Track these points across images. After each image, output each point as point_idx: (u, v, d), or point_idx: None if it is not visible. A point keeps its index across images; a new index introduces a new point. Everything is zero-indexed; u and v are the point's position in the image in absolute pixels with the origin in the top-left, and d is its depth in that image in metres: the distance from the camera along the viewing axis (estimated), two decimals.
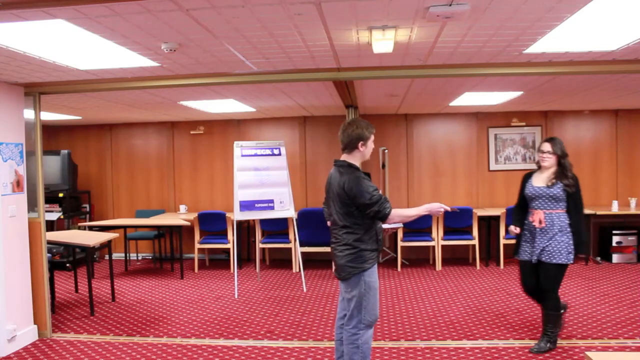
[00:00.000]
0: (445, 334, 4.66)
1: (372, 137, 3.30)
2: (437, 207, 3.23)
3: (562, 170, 4.01)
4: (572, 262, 3.96)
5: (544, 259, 3.98)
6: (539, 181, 4.11)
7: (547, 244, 3.96)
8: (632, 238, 7.35)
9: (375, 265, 3.28)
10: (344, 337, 3.31)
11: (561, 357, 4.04)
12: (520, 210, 4.26)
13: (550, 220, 3.99)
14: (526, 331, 4.66)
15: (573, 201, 4.00)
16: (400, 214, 3.18)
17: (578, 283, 6.31)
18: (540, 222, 4.00)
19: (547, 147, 4.07)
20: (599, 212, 7.31)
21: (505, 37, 3.33)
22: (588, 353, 2.47)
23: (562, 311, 4.19)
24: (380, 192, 3.17)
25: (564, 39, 3.35)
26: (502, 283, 6.40)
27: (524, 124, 7.97)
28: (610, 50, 3.69)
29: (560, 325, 4.22)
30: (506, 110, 7.73)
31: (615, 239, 7.37)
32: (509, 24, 3.05)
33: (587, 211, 7.30)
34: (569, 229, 3.98)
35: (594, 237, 7.68)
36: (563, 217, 3.99)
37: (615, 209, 7.38)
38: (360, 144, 3.23)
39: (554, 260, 3.94)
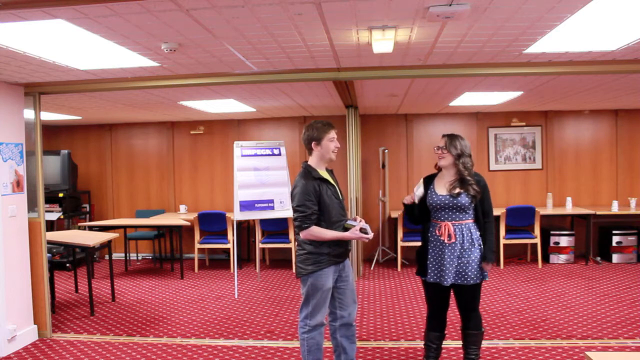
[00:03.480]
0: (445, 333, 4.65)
1: (329, 136, 3.40)
2: (357, 236, 3.30)
3: (463, 175, 3.45)
4: (487, 278, 3.51)
5: (459, 282, 3.42)
6: (441, 188, 3.52)
7: (459, 262, 3.40)
8: (632, 238, 7.35)
9: (327, 269, 3.30)
10: None
11: (561, 357, 4.04)
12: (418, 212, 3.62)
13: (460, 233, 3.42)
14: (526, 331, 4.66)
15: (482, 207, 3.48)
16: (317, 233, 3.27)
17: (578, 283, 6.31)
18: (449, 236, 3.41)
19: (442, 142, 3.60)
20: (599, 212, 7.31)
21: (505, 37, 3.33)
22: (588, 353, 2.47)
23: (482, 330, 3.61)
24: (316, 208, 3.25)
25: (564, 39, 3.35)
26: (502, 283, 6.41)
27: (524, 124, 7.97)
28: (610, 50, 3.69)
29: (480, 345, 3.64)
30: (506, 110, 7.73)
31: (615, 239, 7.37)
32: (509, 24, 3.05)
33: (587, 211, 7.33)
34: (479, 242, 3.45)
35: (594, 237, 7.68)
36: (473, 229, 3.45)
37: (615, 209, 7.38)
38: (313, 145, 3.41)
39: (471, 282, 3.41)
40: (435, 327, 3.64)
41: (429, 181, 3.63)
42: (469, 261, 3.39)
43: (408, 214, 3.68)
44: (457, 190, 3.42)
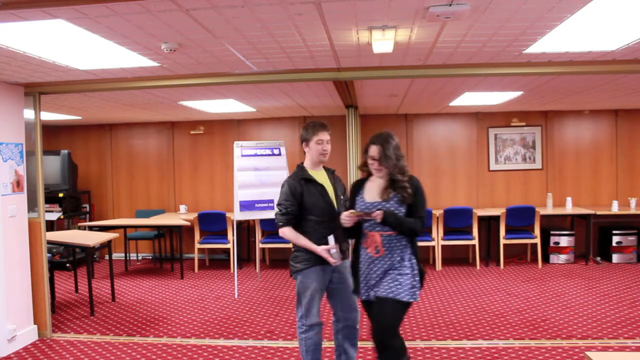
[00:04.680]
0: (445, 334, 4.66)
1: (316, 138, 3.36)
2: (324, 253, 3.21)
3: (394, 177, 3.04)
4: (417, 299, 3.00)
5: (380, 293, 2.97)
6: (372, 193, 3.09)
7: (386, 274, 2.99)
8: (632, 238, 7.35)
9: (314, 268, 3.30)
10: None
11: (561, 357, 4.04)
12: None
13: (389, 245, 3.00)
14: (526, 331, 4.66)
15: (413, 214, 3.01)
16: (290, 235, 3.32)
17: (578, 283, 6.31)
18: (377, 250, 2.99)
19: (374, 151, 3.06)
20: (599, 212, 7.31)
21: (505, 37, 3.33)
22: (588, 353, 2.47)
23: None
24: (294, 208, 3.28)
25: (564, 39, 3.35)
26: (502, 283, 6.41)
27: (524, 124, 7.97)
28: (610, 50, 3.69)
29: None
30: (506, 110, 7.73)
31: (615, 239, 7.37)
32: (509, 24, 3.05)
33: (587, 211, 7.33)
34: (412, 256, 3.03)
35: (594, 237, 7.68)
36: (405, 240, 3.02)
37: (615, 209, 7.38)
38: (303, 145, 3.44)
39: (392, 295, 2.94)
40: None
41: (358, 187, 3.19)
42: (398, 276, 2.95)
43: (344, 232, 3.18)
44: (387, 194, 3.02)
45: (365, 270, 3.07)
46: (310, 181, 3.34)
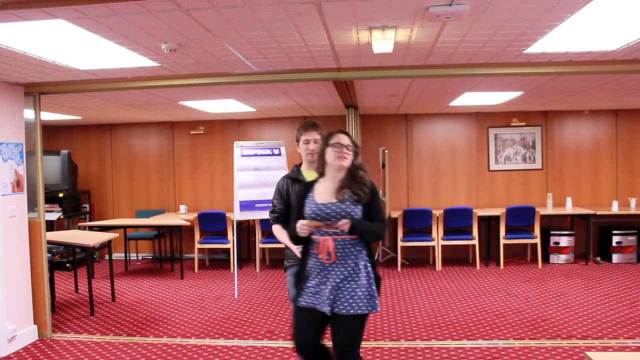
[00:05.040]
0: (445, 334, 4.66)
1: (304, 137, 3.31)
2: (297, 252, 3.06)
3: (353, 175, 2.85)
4: (378, 309, 2.79)
5: (339, 310, 2.72)
6: (324, 194, 2.84)
7: (341, 286, 2.74)
8: (632, 238, 7.35)
9: (294, 268, 3.21)
10: None
11: (561, 357, 4.04)
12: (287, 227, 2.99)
13: (343, 250, 2.76)
14: (526, 331, 4.66)
15: (369, 217, 2.82)
16: (276, 233, 3.36)
17: (578, 283, 6.31)
18: (329, 255, 2.75)
19: (345, 139, 2.86)
20: (599, 212, 7.31)
21: (505, 37, 3.33)
22: (588, 353, 2.47)
23: None
24: (281, 207, 3.33)
25: (564, 39, 3.35)
26: (502, 283, 6.41)
27: (524, 124, 7.97)
28: (610, 50, 3.69)
29: None
30: (506, 110, 7.73)
31: (615, 239, 7.37)
32: (509, 24, 3.05)
33: (587, 211, 7.33)
34: (368, 262, 2.82)
35: (594, 237, 7.67)
36: (360, 245, 2.80)
37: (615, 209, 7.38)
38: (297, 145, 3.43)
39: (353, 311, 2.71)
40: None
41: (308, 188, 2.94)
42: (355, 286, 2.74)
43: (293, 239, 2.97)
44: (343, 194, 2.81)
45: (315, 278, 2.80)
46: (297, 181, 3.30)
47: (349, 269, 2.76)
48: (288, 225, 3.15)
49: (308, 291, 2.82)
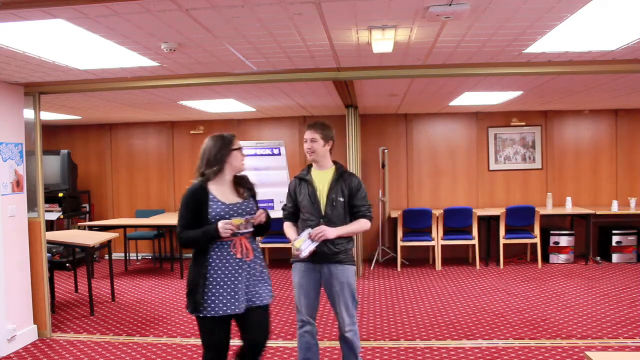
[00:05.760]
0: (445, 334, 4.66)
1: (305, 137, 3.41)
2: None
3: (238, 175, 3.00)
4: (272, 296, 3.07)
5: (262, 301, 2.91)
6: (226, 195, 2.90)
7: (253, 281, 2.90)
8: (632, 238, 7.35)
9: (299, 264, 3.40)
10: None
11: (561, 357, 4.04)
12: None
13: (254, 248, 2.95)
14: (526, 331, 4.66)
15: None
16: (285, 230, 3.53)
17: (578, 283, 6.31)
18: (247, 252, 2.87)
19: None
20: (599, 212, 7.31)
21: (505, 37, 3.33)
22: (588, 353, 2.47)
23: None
24: (291, 205, 3.45)
25: (564, 39, 3.35)
26: (502, 283, 6.41)
27: (524, 124, 7.98)
28: (610, 50, 3.69)
29: None
30: (506, 110, 7.74)
31: (615, 239, 7.37)
32: (509, 24, 3.05)
33: (587, 211, 7.33)
34: (261, 255, 3.05)
35: (594, 237, 7.68)
36: (255, 241, 3.02)
37: (615, 209, 7.38)
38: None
39: (266, 302, 2.95)
40: None
41: (204, 191, 2.89)
42: (265, 279, 2.98)
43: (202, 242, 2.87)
44: (243, 192, 2.96)
45: (231, 279, 2.82)
46: (304, 180, 3.38)
47: (255, 265, 2.92)
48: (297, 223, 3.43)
49: (220, 300, 2.79)
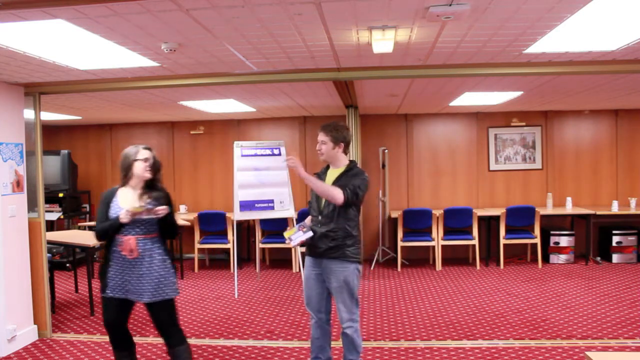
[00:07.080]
0: (445, 334, 4.66)
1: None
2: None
3: (151, 183, 3.30)
4: (178, 292, 3.36)
5: (154, 298, 3.23)
6: (127, 200, 3.25)
7: (143, 280, 3.22)
8: (632, 238, 7.35)
9: (308, 258, 3.61)
10: None
11: (561, 357, 4.04)
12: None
13: (143, 247, 3.23)
14: (526, 331, 4.66)
15: (164, 223, 3.29)
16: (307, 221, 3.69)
17: (578, 283, 6.31)
18: (131, 251, 3.19)
19: (148, 153, 3.30)
20: (599, 212, 7.31)
21: (505, 37, 3.33)
22: (588, 353, 2.47)
23: (187, 343, 3.43)
24: (311, 200, 3.64)
25: (564, 39, 3.36)
26: (502, 283, 6.41)
27: (524, 124, 7.97)
28: (610, 50, 3.69)
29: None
30: (506, 110, 7.73)
31: (615, 239, 7.37)
32: (509, 24, 3.05)
33: (587, 211, 7.33)
34: (165, 255, 3.32)
35: (594, 237, 7.67)
36: (157, 242, 3.28)
37: (615, 209, 7.38)
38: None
39: (164, 298, 3.25)
40: (121, 346, 3.41)
41: (112, 194, 3.32)
42: (159, 276, 3.24)
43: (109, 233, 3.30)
44: (144, 200, 3.23)
45: (119, 272, 3.25)
46: (319, 177, 3.57)
47: (146, 263, 3.22)
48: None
49: (113, 284, 3.26)
